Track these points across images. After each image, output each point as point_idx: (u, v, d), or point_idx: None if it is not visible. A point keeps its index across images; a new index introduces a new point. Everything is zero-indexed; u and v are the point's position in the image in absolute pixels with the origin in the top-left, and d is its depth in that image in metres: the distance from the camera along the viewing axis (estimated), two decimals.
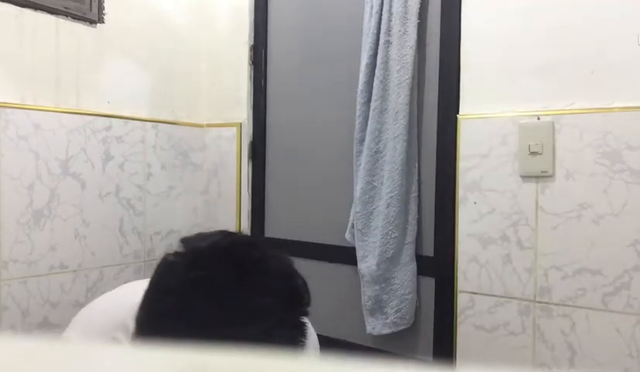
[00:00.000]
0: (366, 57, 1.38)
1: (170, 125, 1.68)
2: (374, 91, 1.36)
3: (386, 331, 1.36)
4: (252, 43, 1.71)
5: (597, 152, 1.11)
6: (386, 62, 1.35)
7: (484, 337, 1.24)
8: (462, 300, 1.28)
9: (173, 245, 0.60)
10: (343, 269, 1.50)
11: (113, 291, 0.80)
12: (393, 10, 1.33)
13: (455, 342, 1.29)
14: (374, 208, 1.38)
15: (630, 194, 1.08)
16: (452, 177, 1.29)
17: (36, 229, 1.31)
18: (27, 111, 1.32)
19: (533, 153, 1.17)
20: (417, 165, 1.35)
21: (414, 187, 1.35)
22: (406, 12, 1.32)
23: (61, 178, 1.39)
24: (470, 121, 1.27)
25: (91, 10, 1.43)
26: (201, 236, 0.59)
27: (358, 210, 1.39)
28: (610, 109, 1.10)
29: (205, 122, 1.80)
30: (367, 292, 1.38)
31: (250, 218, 1.71)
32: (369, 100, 1.38)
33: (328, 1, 1.56)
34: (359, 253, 1.40)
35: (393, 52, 1.34)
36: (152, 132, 1.62)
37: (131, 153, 1.57)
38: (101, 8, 1.46)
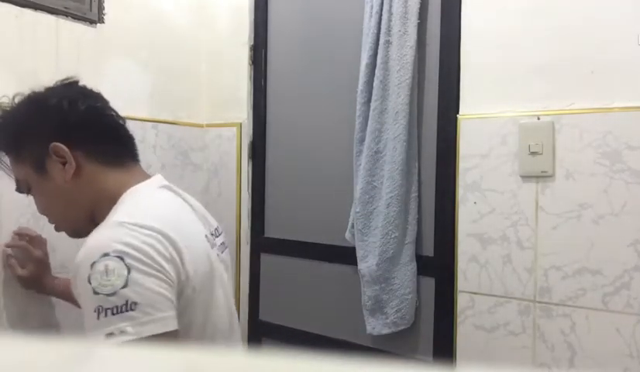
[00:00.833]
0: (366, 57, 1.38)
1: (170, 125, 1.68)
2: (374, 91, 1.36)
3: (386, 331, 1.36)
4: (252, 43, 1.71)
5: (597, 152, 1.11)
6: (386, 62, 1.35)
7: (484, 337, 1.24)
8: (462, 300, 1.28)
9: None
10: (343, 269, 1.50)
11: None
12: (394, 10, 1.33)
13: (455, 342, 1.29)
14: (374, 208, 1.38)
15: (630, 194, 1.08)
16: (452, 177, 1.29)
17: (35, 230, 1.31)
18: None
19: (533, 153, 1.17)
20: (417, 165, 1.35)
21: (414, 187, 1.35)
22: (406, 12, 1.32)
23: None
24: (470, 121, 1.27)
25: (91, 10, 1.43)
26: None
27: (358, 210, 1.39)
28: (610, 109, 1.10)
29: (205, 122, 1.80)
30: (367, 292, 1.38)
31: (250, 218, 1.71)
32: (369, 100, 1.38)
33: (329, 2, 1.56)
34: (359, 253, 1.40)
35: (393, 52, 1.34)
36: (152, 132, 1.62)
37: None
38: (101, 8, 1.46)
